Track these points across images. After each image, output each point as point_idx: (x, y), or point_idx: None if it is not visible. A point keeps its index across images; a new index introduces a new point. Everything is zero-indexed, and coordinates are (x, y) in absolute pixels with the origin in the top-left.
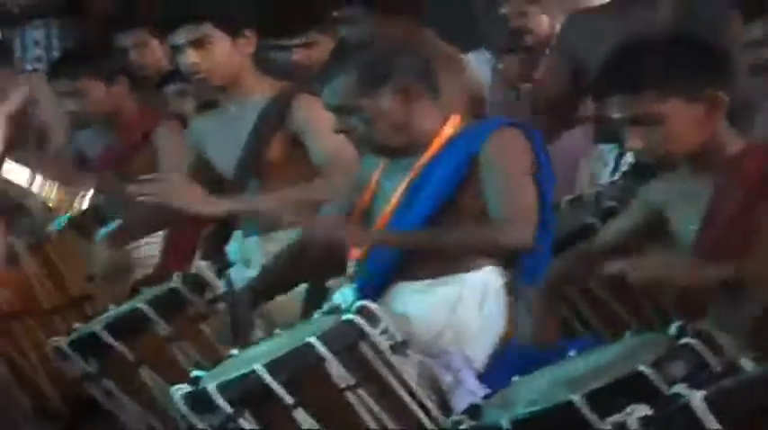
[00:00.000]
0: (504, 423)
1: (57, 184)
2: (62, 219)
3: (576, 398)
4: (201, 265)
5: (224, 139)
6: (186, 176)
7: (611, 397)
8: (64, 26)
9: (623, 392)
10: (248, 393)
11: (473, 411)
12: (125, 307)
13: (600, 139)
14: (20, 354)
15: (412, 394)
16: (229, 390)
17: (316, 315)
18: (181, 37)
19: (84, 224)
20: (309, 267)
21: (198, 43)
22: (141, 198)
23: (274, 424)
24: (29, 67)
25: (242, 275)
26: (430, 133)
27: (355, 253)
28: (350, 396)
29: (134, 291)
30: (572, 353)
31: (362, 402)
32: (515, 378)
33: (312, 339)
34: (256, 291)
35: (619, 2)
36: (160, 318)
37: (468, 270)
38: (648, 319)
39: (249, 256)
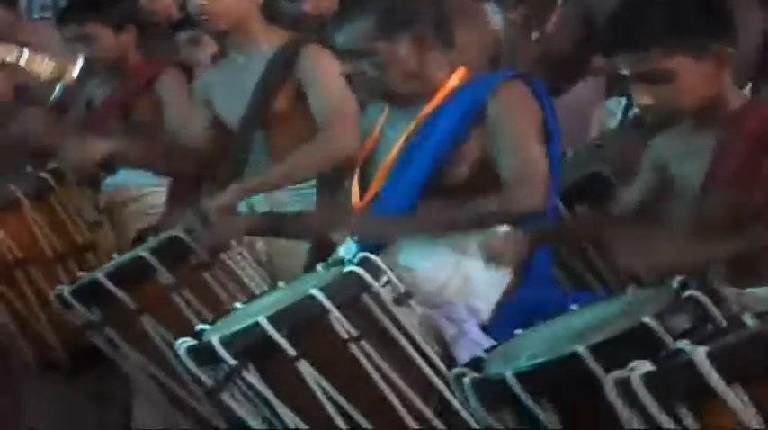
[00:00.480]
0: (508, 375)
1: (46, 56)
2: (59, 89)
3: (581, 349)
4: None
5: (230, 90)
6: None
7: (615, 349)
8: None
9: (628, 345)
10: (251, 346)
11: (476, 363)
12: (127, 255)
13: (612, 92)
14: (22, 303)
15: (415, 345)
16: (233, 343)
17: (319, 267)
18: None
19: (90, 172)
20: None
21: None
22: None
23: (278, 376)
24: (36, 16)
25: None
26: (437, 84)
27: (359, 206)
28: (353, 347)
29: (139, 241)
30: (574, 306)
31: (366, 354)
32: (518, 331)
33: (314, 291)
34: None
35: None
36: (162, 267)
37: None
38: None
39: (255, 204)
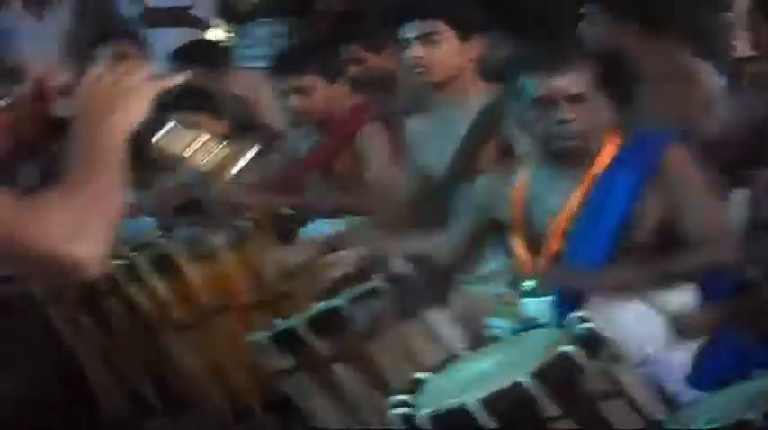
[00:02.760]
0: None
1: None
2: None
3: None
4: (401, 265)
5: (436, 140)
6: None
7: None
8: (290, 26)
9: None
10: (459, 426)
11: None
12: (324, 304)
13: None
14: (217, 349)
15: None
16: (439, 421)
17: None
18: (411, 31)
19: (285, 221)
20: None
21: (427, 38)
22: None
23: None
24: (250, 65)
25: None
26: (599, 144)
27: (533, 265)
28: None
29: (335, 290)
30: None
31: None
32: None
33: (524, 378)
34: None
35: None
36: (358, 316)
37: None
38: None
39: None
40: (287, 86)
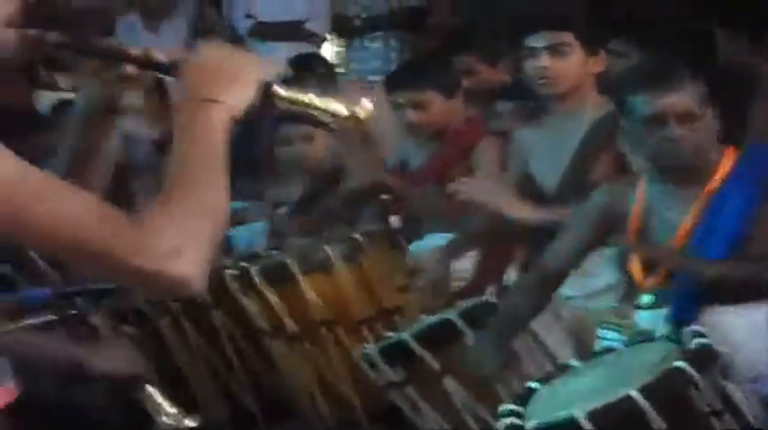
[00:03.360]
0: None
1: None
2: None
3: None
4: (513, 279)
5: (549, 153)
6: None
7: None
8: (403, 40)
9: None
10: None
11: None
12: (436, 317)
13: None
14: (325, 362)
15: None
16: None
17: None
18: (539, 40)
19: (397, 235)
20: None
21: (555, 49)
22: (457, 194)
23: None
24: (362, 78)
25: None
26: (714, 162)
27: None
28: None
29: (447, 304)
30: None
31: None
32: None
33: (634, 393)
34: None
35: None
36: (470, 330)
37: None
38: None
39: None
40: (403, 101)
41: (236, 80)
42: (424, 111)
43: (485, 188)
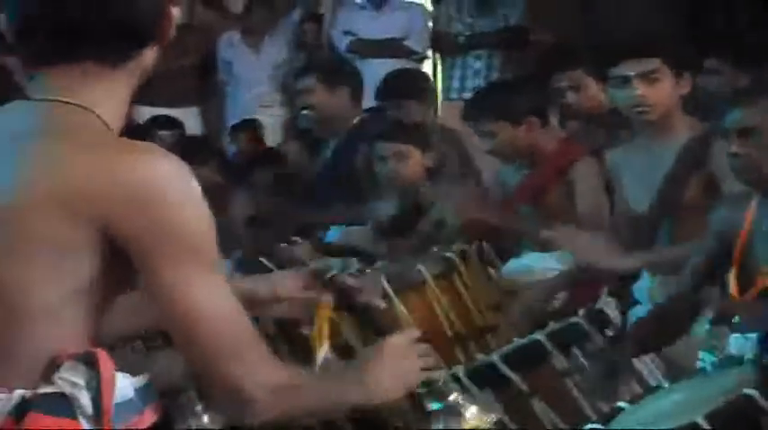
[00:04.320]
0: None
1: None
2: None
3: None
4: (607, 302)
5: (641, 175)
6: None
7: None
8: (505, 59)
9: None
10: None
11: None
12: (525, 339)
13: None
14: None
15: None
16: None
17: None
18: (630, 69)
19: (491, 253)
20: None
21: (647, 77)
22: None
23: None
24: (461, 97)
25: None
26: None
27: (744, 299)
28: None
29: (540, 325)
30: None
31: None
32: None
33: (701, 420)
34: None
35: None
36: (559, 352)
37: None
38: None
39: (656, 298)
40: (476, 131)
41: (395, 388)
42: (494, 140)
43: (579, 240)
